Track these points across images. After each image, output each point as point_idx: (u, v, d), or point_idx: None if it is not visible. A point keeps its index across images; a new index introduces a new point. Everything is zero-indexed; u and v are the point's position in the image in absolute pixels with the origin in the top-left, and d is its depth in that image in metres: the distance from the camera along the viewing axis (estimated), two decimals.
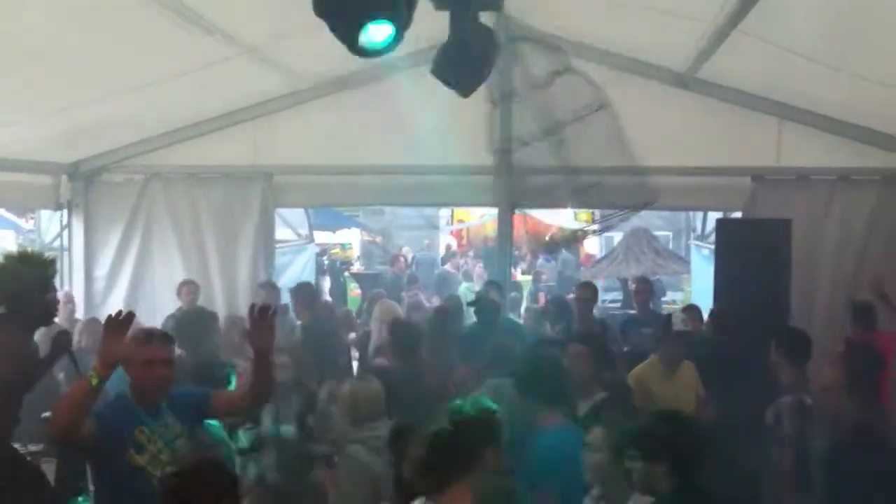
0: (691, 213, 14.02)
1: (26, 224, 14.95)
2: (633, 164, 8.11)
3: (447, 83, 5.90)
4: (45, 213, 10.43)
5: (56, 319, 5.40)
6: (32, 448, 5.14)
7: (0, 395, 4.66)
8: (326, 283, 17.18)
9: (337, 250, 21.51)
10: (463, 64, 5.71)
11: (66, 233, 9.62)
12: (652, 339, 7.13)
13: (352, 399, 5.14)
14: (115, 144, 9.11)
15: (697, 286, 11.28)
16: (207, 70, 7.21)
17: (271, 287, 8.94)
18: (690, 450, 3.76)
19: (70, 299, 8.96)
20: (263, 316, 4.39)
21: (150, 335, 4.37)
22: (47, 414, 5.24)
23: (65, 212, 9.52)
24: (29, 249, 5.22)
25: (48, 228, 10.41)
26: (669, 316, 7.00)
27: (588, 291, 8.56)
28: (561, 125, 8.26)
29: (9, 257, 5.02)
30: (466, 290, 14.67)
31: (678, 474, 3.68)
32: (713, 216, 10.76)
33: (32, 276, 4.91)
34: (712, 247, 9.44)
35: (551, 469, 4.55)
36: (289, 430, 5.88)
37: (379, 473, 4.69)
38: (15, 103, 6.76)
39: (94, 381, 3.93)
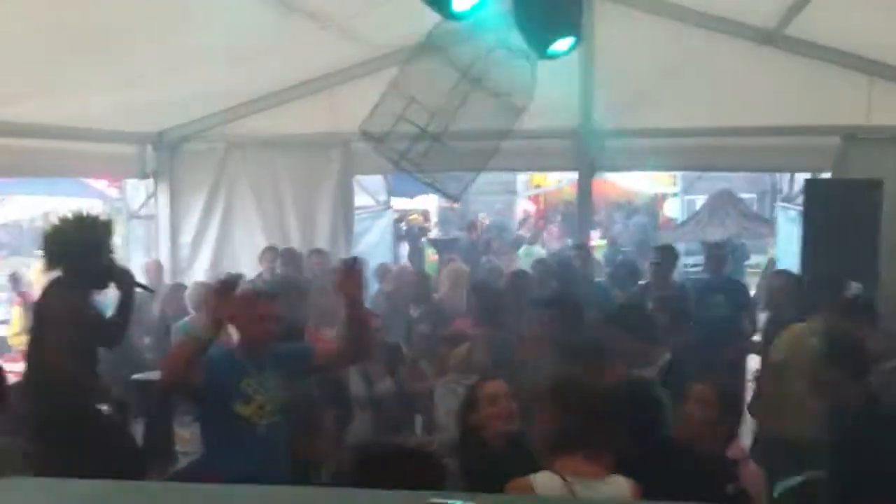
0: (777, 175, 13.67)
1: (113, 193, 15.29)
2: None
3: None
4: (131, 183, 10.64)
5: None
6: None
7: (68, 355, 4.69)
8: (404, 249, 17.22)
9: (414, 216, 21.55)
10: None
11: (151, 201, 9.85)
12: (725, 306, 7.01)
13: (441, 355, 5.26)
14: (198, 114, 9.25)
15: (783, 249, 10.98)
16: (288, 42, 7.26)
17: (322, 254, 9.05)
18: None
19: (158, 267, 9.18)
20: (350, 270, 4.57)
21: (259, 293, 4.72)
22: (139, 376, 5.40)
23: (150, 181, 9.73)
24: (85, 213, 5.12)
25: (134, 197, 10.62)
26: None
27: (664, 255, 8.40)
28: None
29: (64, 220, 5.03)
30: (524, 254, 14.57)
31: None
32: (800, 177, 10.45)
33: (88, 239, 4.94)
34: (799, 209, 9.19)
35: None
36: (383, 386, 5.96)
37: None
38: (102, 75, 6.89)
39: (204, 336, 4.19)
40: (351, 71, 8.94)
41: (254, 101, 9.15)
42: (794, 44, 8.18)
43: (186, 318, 7.60)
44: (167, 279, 9.24)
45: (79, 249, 4.87)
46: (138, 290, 5.41)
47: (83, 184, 13.89)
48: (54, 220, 5.16)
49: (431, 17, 5.60)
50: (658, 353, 5.42)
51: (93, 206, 16.38)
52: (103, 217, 5.17)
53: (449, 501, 1.48)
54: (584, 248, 8.87)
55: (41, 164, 8.07)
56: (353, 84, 9.04)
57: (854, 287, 6.38)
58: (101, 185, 15.04)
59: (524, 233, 17.85)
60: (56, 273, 4.98)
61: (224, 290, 4.30)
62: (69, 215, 5.05)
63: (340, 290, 4.61)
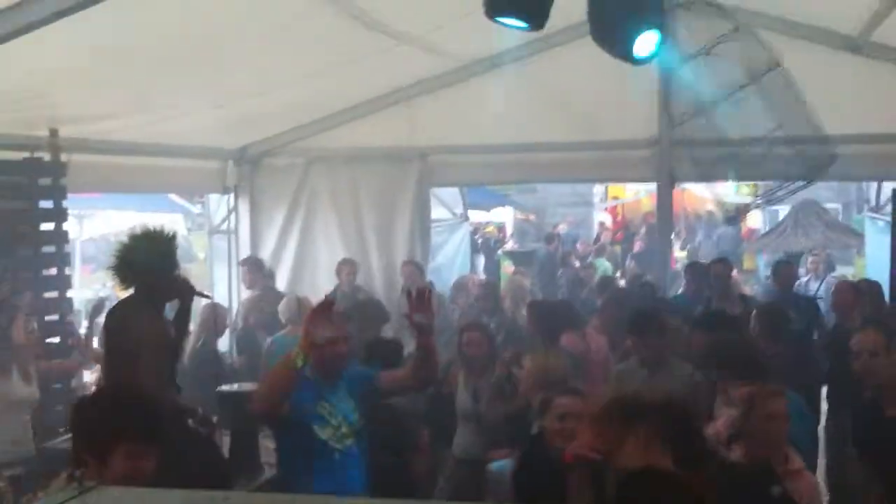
0: (864, 184, 13.30)
1: (195, 208, 15.60)
2: (814, 126, 7.70)
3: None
4: (213, 197, 10.85)
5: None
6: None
7: (149, 370, 4.66)
8: (480, 262, 17.23)
9: (490, 228, 21.54)
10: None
11: (232, 216, 10.02)
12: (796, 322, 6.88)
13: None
14: (278, 129, 9.39)
15: (872, 260, 10.68)
16: (366, 57, 7.34)
17: (414, 265, 9.18)
18: None
19: (258, 265, 9.35)
20: (421, 297, 4.51)
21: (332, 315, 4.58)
22: (225, 387, 5.46)
23: (231, 195, 9.91)
24: (151, 227, 5.10)
25: (216, 212, 10.82)
26: None
27: (720, 267, 8.42)
28: (730, 91, 7.96)
29: (133, 237, 5.02)
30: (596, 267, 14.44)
31: None
32: (888, 186, 10.15)
33: (158, 253, 4.94)
34: (888, 218, 8.92)
35: None
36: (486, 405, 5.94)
37: None
38: (186, 93, 7.06)
39: (300, 362, 4.15)
40: (428, 83, 8.99)
41: (332, 115, 9.24)
42: (880, 50, 7.96)
43: (281, 333, 7.74)
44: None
45: (148, 265, 4.89)
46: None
47: (168, 199, 14.22)
48: (122, 238, 5.17)
49: (507, 31, 5.57)
50: None
51: (175, 221, 16.81)
52: (169, 231, 5.14)
53: None
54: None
55: (128, 179, 8.27)
56: (431, 97, 9.09)
57: None
58: (183, 200, 15.39)
59: (601, 245, 17.71)
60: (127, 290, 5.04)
61: (319, 315, 4.29)
62: (138, 232, 5.06)
63: (410, 320, 4.57)
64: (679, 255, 17.12)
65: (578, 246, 17.32)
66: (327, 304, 4.43)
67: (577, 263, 14.82)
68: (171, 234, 5.09)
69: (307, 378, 4.39)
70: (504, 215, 21.60)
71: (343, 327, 4.60)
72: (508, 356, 6.02)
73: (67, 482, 2.03)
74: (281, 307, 7.88)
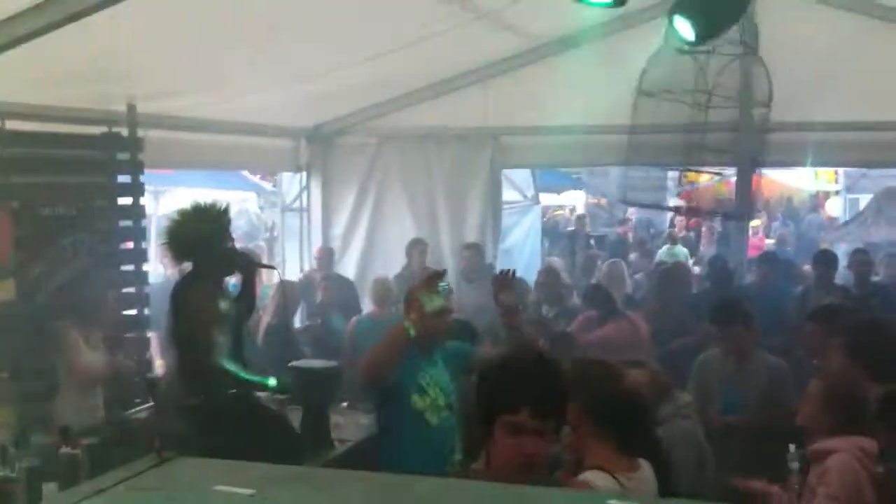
0: None
1: (268, 186, 15.78)
2: None
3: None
4: (285, 176, 10.94)
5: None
6: (279, 397, 5.33)
7: (215, 346, 4.74)
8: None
9: (560, 211, 21.37)
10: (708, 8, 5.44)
11: (304, 194, 10.09)
12: None
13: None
14: (351, 108, 9.40)
15: None
16: (441, 35, 7.28)
17: (474, 248, 9.15)
18: None
19: (329, 253, 9.48)
20: (505, 278, 4.72)
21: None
22: (296, 363, 5.50)
23: (304, 174, 9.96)
24: (202, 203, 5.11)
25: (289, 190, 10.92)
26: None
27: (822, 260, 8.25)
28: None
29: (184, 213, 5.04)
30: (664, 254, 14.20)
31: None
32: None
33: (210, 229, 4.95)
34: None
35: None
36: None
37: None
38: (259, 71, 7.09)
39: (412, 331, 4.26)
40: (503, 64, 8.90)
41: (405, 94, 9.22)
42: None
43: (366, 313, 7.81)
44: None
45: (203, 241, 4.91)
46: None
47: (241, 176, 14.40)
48: (174, 215, 5.19)
49: (584, 10, 5.47)
50: None
51: (248, 199, 17.02)
52: (221, 205, 5.15)
53: (627, 502, 1.40)
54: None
55: (202, 156, 8.36)
56: (505, 77, 9.00)
57: None
58: (256, 178, 15.58)
59: (676, 230, 17.44)
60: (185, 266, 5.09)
61: (428, 286, 4.40)
62: (188, 208, 5.08)
63: (496, 299, 4.72)
64: (768, 242, 16.73)
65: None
66: (437, 275, 4.52)
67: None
68: (222, 208, 5.10)
69: (410, 348, 4.45)
70: (575, 198, 21.41)
71: (450, 299, 4.73)
72: None
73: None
74: (370, 288, 7.98)
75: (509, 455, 2.63)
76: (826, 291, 7.79)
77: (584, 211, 20.87)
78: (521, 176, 12.46)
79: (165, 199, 13.73)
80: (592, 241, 16.01)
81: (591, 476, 3.15)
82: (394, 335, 4.36)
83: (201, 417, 4.73)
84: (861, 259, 8.75)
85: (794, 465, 4.05)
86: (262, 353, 7.11)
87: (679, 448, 4.55)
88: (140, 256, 7.06)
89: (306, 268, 9.77)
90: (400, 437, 4.43)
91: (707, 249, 14.87)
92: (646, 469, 3.29)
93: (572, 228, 17.86)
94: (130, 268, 6.92)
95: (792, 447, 4.11)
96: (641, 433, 3.42)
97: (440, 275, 4.54)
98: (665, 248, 15.18)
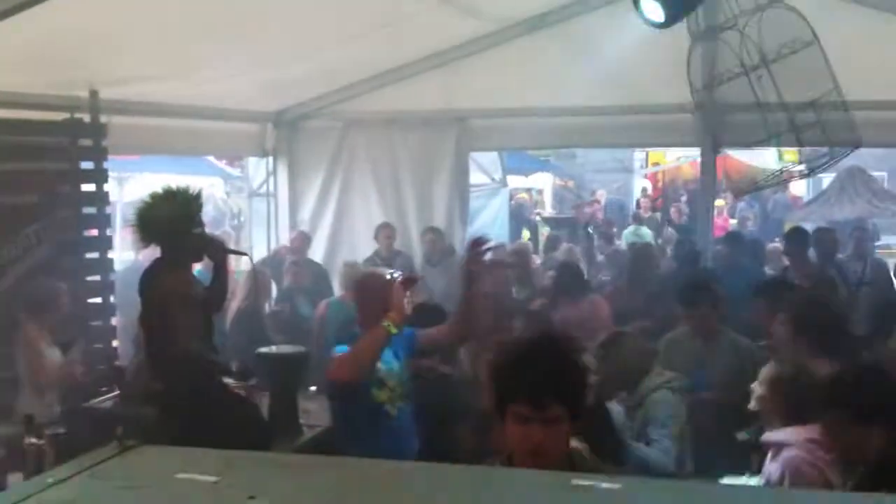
0: None
1: (234, 171, 15.68)
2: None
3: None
4: (252, 161, 10.87)
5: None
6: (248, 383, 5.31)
7: (183, 331, 4.70)
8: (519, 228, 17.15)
9: (523, 195, 21.39)
10: None
11: (271, 179, 10.03)
12: None
13: None
14: (316, 93, 9.34)
15: None
16: (405, 19, 7.25)
17: (435, 232, 9.16)
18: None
19: (305, 238, 9.40)
20: (478, 247, 4.52)
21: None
22: (265, 349, 5.47)
23: (270, 159, 9.90)
24: (174, 186, 5.02)
25: (255, 175, 10.85)
26: None
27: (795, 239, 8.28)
28: (766, 61, 7.78)
29: (155, 196, 4.95)
30: (630, 234, 14.32)
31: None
32: None
33: (180, 213, 4.88)
34: None
35: None
36: None
37: None
38: (224, 56, 7.03)
39: (393, 330, 4.24)
40: (468, 47, 8.87)
41: (371, 78, 9.17)
42: None
43: (336, 297, 7.77)
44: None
45: (175, 226, 4.85)
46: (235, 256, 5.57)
47: (207, 162, 14.29)
48: (144, 198, 5.09)
49: None
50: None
51: (214, 184, 16.89)
52: (193, 190, 5.05)
53: (592, 483, 1.41)
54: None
55: (167, 142, 8.29)
56: (471, 60, 8.98)
57: None
58: (222, 163, 15.46)
59: (642, 212, 17.56)
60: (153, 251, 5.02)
61: (406, 288, 4.44)
62: (160, 192, 4.99)
63: (464, 272, 4.59)
64: (732, 221, 16.89)
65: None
66: (415, 279, 4.69)
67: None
68: (193, 193, 5.01)
69: None
70: (543, 181, 21.47)
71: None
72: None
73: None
74: (340, 272, 8.02)
75: (519, 445, 2.66)
76: (802, 269, 7.83)
77: (552, 193, 20.98)
78: (489, 159, 12.47)
79: (130, 185, 13.61)
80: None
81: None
82: (376, 336, 4.28)
83: (168, 404, 4.71)
84: (825, 237, 8.84)
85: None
86: (232, 339, 7.08)
87: (661, 418, 4.62)
88: (105, 244, 6.99)
89: (275, 248, 9.71)
90: (361, 431, 4.34)
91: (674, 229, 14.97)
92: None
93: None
94: (95, 255, 6.85)
95: (742, 434, 4.17)
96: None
97: (416, 280, 4.61)
98: (631, 228, 15.28)
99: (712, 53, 8.12)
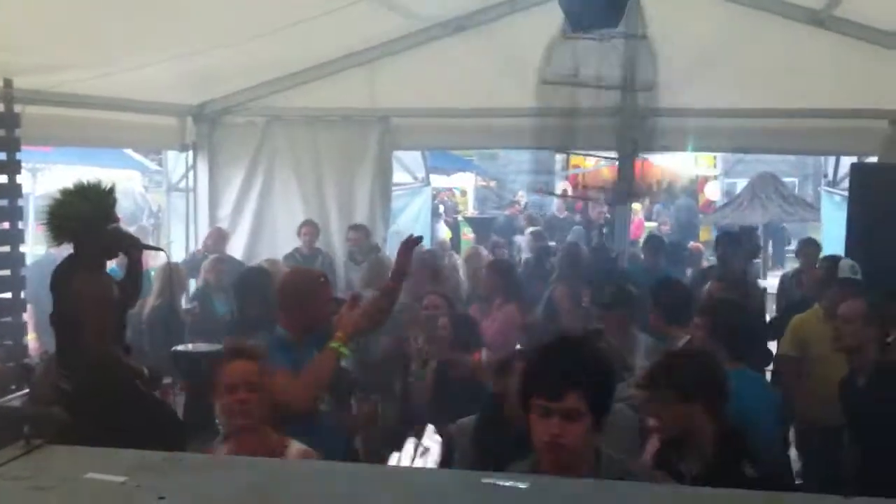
0: (822, 158, 13.43)
1: (153, 164, 15.38)
2: None
3: (579, 25, 5.73)
4: (171, 154, 10.68)
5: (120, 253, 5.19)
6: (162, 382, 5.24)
7: (96, 329, 4.61)
8: (441, 227, 17.21)
9: (448, 194, 21.46)
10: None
11: (191, 174, 9.88)
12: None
13: None
14: (238, 87, 9.25)
15: (828, 235, 10.80)
16: (329, 15, 7.22)
17: (360, 230, 9.09)
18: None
19: (222, 234, 9.25)
20: (409, 245, 4.68)
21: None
22: (180, 347, 5.40)
23: (190, 153, 9.76)
24: (86, 182, 4.87)
25: (175, 169, 10.66)
26: (835, 262, 6.68)
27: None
28: None
29: (66, 192, 4.81)
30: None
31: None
32: (846, 161, 10.26)
33: (93, 210, 4.76)
34: (845, 193, 9.03)
35: None
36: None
37: None
38: (145, 47, 6.91)
39: (344, 352, 4.21)
40: (392, 45, 8.89)
41: (294, 74, 9.13)
42: (843, 25, 8.03)
43: None
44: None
45: (87, 223, 4.72)
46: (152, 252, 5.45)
47: (124, 154, 13.98)
48: (56, 195, 4.92)
49: None
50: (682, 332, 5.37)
51: (131, 178, 16.53)
52: (106, 184, 4.92)
53: (501, 482, 1.44)
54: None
55: (84, 133, 8.11)
56: (394, 59, 9.00)
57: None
58: (140, 156, 15.15)
59: (558, 212, 17.75)
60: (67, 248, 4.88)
61: (351, 307, 4.40)
62: (71, 187, 4.84)
63: (396, 263, 4.70)
64: (648, 225, 17.23)
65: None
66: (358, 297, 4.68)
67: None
68: (106, 188, 4.87)
69: (285, 343, 4.33)
70: (465, 181, 21.58)
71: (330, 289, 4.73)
72: None
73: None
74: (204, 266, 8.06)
75: (539, 438, 2.70)
76: (729, 271, 7.99)
77: (474, 193, 21.10)
78: (412, 158, 12.49)
79: (44, 176, 13.24)
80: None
81: None
82: (327, 361, 4.20)
83: (79, 403, 4.61)
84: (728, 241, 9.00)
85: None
86: (146, 337, 6.95)
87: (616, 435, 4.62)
88: (16, 237, 6.79)
89: (193, 249, 9.57)
90: (298, 433, 4.17)
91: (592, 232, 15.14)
92: None
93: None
94: (6, 249, 6.66)
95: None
96: None
97: (358, 298, 4.57)
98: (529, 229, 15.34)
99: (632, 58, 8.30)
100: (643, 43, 8.05)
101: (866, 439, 4.63)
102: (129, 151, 14.12)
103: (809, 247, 8.98)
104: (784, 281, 9.34)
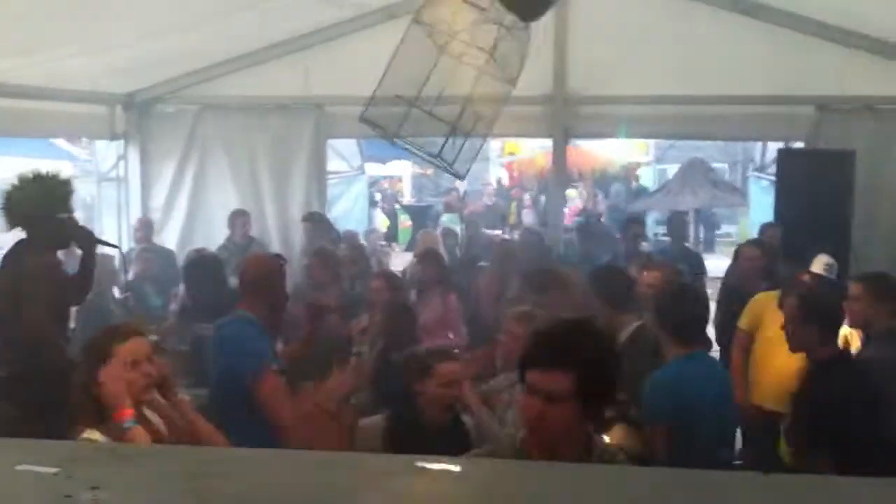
0: (750, 144, 13.72)
1: (82, 154, 15.07)
2: None
3: (508, 7, 5.72)
4: (100, 144, 10.48)
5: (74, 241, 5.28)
6: None
7: (39, 316, 4.66)
8: (378, 216, 17.20)
9: (389, 182, 21.43)
10: None
11: (122, 163, 9.71)
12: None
13: None
14: (169, 75, 9.11)
15: (756, 219, 11.07)
16: (263, 2, 7.16)
17: (317, 219, 8.95)
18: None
19: (148, 224, 9.09)
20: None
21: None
22: None
23: (121, 142, 9.59)
24: (43, 171, 5.03)
25: (105, 159, 10.47)
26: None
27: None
28: None
29: (23, 179, 4.94)
30: (446, 223, 14.57)
31: None
32: (773, 147, 10.51)
33: (47, 197, 4.88)
34: (772, 178, 9.25)
35: None
36: None
37: None
38: (72, 35, 6.78)
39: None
40: (326, 33, 8.84)
41: (227, 62, 9.02)
42: (769, 12, 8.18)
43: None
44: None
45: (40, 210, 4.83)
46: (104, 247, 5.50)
47: (52, 144, 13.67)
48: (13, 181, 5.02)
49: None
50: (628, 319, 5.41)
51: (61, 167, 16.17)
52: (63, 176, 5.08)
53: (436, 467, 1.47)
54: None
55: (9, 123, 7.93)
56: (328, 46, 8.95)
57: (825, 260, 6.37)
58: (69, 146, 14.82)
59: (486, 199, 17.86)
60: (18, 234, 4.95)
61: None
62: (28, 175, 4.96)
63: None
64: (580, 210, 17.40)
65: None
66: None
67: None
68: (63, 178, 5.02)
69: (258, 326, 4.38)
70: (402, 169, 21.55)
71: None
72: None
73: None
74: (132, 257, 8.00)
75: (524, 415, 2.75)
76: (634, 257, 8.15)
77: (411, 181, 21.09)
78: (348, 146, 12.45)
79: None
80: None
81: None
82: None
83: (15, 391, 4.56)
84: (677, 222, 9.20)
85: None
86: (77, 328, 6.83)
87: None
88: None
89: (125, 240, 9.40)
90: (233, 422, 4.00)
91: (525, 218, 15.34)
92: None
93: None
94: None
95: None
96: None
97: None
98: (445, 216, 15.45)
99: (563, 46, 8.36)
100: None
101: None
102: (57, 141, 13.82)
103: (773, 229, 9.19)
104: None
